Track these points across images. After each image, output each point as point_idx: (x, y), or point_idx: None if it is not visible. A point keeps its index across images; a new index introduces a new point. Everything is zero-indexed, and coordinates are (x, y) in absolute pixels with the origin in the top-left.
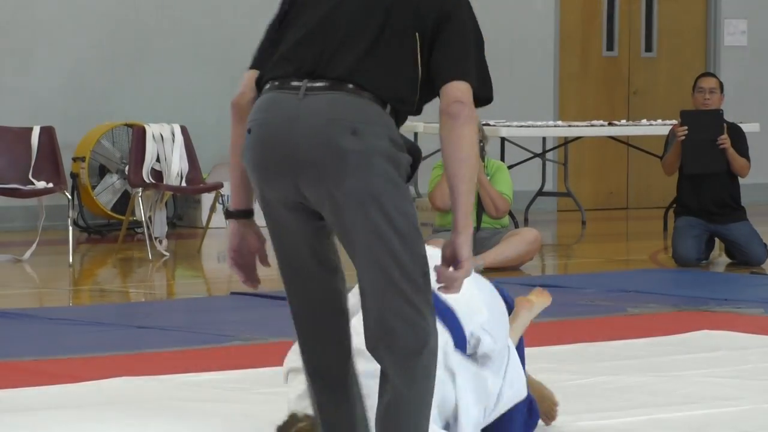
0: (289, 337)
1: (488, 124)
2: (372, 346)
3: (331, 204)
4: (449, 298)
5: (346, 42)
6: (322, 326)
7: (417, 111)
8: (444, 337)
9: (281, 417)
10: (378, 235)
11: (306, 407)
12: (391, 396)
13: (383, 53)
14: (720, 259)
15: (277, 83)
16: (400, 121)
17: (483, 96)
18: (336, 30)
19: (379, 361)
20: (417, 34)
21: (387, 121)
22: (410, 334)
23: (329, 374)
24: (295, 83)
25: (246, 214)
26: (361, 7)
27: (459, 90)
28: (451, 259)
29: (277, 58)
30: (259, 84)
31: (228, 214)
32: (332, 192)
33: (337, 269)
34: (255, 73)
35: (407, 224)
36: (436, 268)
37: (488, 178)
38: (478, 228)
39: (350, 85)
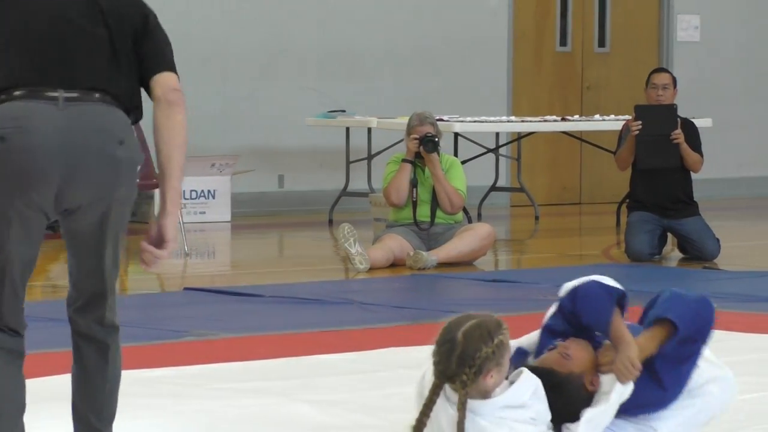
0: (242, 332)
1: (442, 120)
2: (81, 315)
3: (95, 208)
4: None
5: (87, 51)
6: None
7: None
8: None
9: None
10: (116, 234)
11: None
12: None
13: (119, 62)
14: (673, 254)
15: (25, 91)
16: None
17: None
18: (71, 39)
19: (87, 329)
20: (130, 40)
21: (133, 130)
22: (112, 317)
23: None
24: (50, 93)
25: None
26: (82, 16)
27: (173, 79)
28: (157, 239)
29: (9, 67)
30: None
31: None
32: (103, 198)
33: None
34: None
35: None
36: (141, 244)
37: (445, 173)
38: (432, 223)
39: (105, 96)
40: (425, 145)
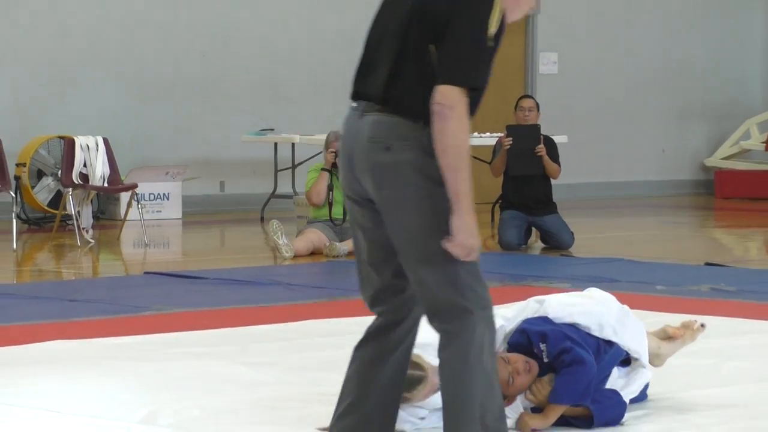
0: (191, 308)
1: None
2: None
3: (378, 204)
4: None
5: (378, 66)
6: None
7: (470, 112)
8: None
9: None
10: (402, 235)
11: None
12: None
13: (405, 73)
14: (536, 244)
15: (351, 104)
16: None
17: (473, 86)
18: (372, 55)
19: (437, 330)
20: (432, 47)
21: (419, 135)
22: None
23: None
24: (355, 105)
25: None
26: (387, 31)
27: (440, 92)
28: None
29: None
30: None
31: None
32: (376, 196)
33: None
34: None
35: (429, 226)
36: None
37: None
38: (344, 220)
39: (386, 107)
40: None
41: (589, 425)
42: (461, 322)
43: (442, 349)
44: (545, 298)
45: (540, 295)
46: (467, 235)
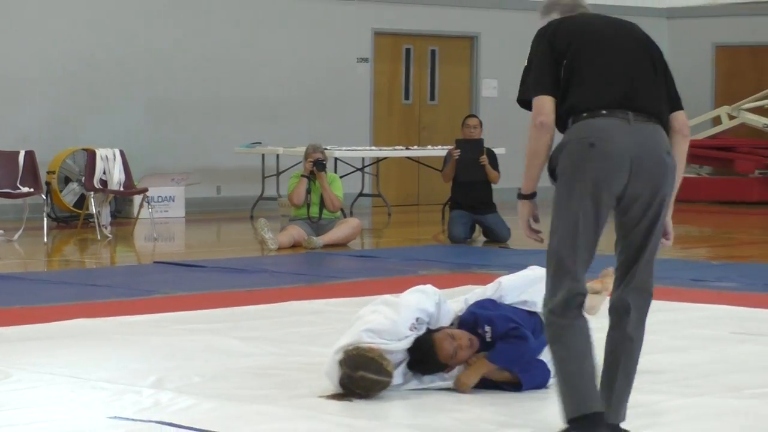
0: (192, 291)
1: (327, 148)
2: (630, 295)
3: (644, 199)
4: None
5: (634, 84)
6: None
7: None
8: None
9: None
10: (656, 225)
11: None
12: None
13: (664, 97)
14: (479, 238)
15: (604, 112)
16: None
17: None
18: (616, 76)
19: (632, 304)
20: (665, 80)
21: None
22: (650, 289)
23: None
24: (621, 113)
25: (536, 195)
26: (639, 60)
27: (684, 117)
28: (665, 232)
29: (590, 94)
30: (572, 110)
31: (525, 197)
32: (652, 191)
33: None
34: (553, 99)
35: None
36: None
37: (329, 185)
38: (320, 218)
39: (656, 119)
40: (317, 166)
41: (518, 390)
42: (647, 303)
43: (637, 313)
44: (501, 281)
45: (481, 281)
46: (672, 234)
